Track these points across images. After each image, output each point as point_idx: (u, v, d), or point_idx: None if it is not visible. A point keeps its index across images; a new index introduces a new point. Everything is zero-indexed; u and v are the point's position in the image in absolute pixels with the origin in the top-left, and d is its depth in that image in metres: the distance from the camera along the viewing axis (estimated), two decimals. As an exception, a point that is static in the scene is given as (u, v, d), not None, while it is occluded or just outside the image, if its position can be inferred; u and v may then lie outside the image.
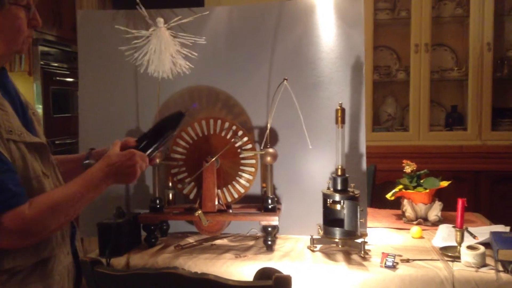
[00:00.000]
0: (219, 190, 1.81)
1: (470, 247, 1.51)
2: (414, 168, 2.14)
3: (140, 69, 1.84)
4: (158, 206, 1.81)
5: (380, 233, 1.91)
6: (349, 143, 1.86)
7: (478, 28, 3.24)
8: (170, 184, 1.89)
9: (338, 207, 1.65)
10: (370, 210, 2.17)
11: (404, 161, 2.17)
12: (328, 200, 1.68)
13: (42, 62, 3.42)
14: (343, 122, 1.71)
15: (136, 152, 1.27)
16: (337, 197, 1.66)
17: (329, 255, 1.66)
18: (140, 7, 1.82)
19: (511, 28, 3.44)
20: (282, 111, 1.84)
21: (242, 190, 1.83)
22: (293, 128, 1.85)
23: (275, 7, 1.92)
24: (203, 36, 1.88)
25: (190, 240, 1.84)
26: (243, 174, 1.83)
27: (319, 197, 1.73)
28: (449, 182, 2.12)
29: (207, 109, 1.96)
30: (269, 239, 1.72)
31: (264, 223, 1.72)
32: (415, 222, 2.02)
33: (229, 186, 1.84)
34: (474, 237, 1.70)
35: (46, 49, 3.49)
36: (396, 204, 2.18)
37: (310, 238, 1.73)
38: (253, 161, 1.83)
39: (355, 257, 1.63)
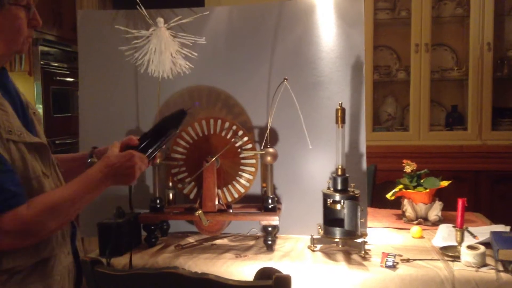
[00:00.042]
0: (219, 190, 1.81)
1: (470, 247, 1.51)
2: (414, 168, 2.14)
3: (140, 69, 1.84)
4: (159, 206, 1.81)
5: (380, 233, 1.91)
6: (349, 143, 1.86)
7: (478, 28, 3.24)
8: (170, 184, 1.89)
9: (338, 207, 1.65)
10: (370, 210, 2.17)
11: (404, 161, 2.17)
12: (328, 200, 1.68)
13: (42, 62, 3.42)
14: (343, 122, 1.71)
15: (135, 153, 1.27)
16: (337, 197, 1.66)
17: (329, 255, 1.66)
18: (140, 7, 1.82)
19: (511, 28, 3.44)
20: (282, 111, 1.84)
21: (242, 190, 1.83)
22: (293, 128, 1.85)
23: (275, 7, 1.92)
24: (203, 36, 1.88)
25: (190, 240, 1.84)
26: (243, 174, 1.83)
27: (319, 197, 1.73)
28: (449, 182, 2.12)
29: (207, 109, 1.96)
30: (269, 239, 1.72)
31: (264, 223, 1.72)
32: (415, 222, 2.02)
33: (229, 186, 1.84)
34: (474, 237, 1.70)
35: (46, 49, 3.49)
36: (396, 204, 2.18)
37: (310, 238, 1.73)
38: (253, 161, 1.83)
39: (355, 257, 1.63)
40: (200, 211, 1.71)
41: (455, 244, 1.59)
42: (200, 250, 1.73)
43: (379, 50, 3.58)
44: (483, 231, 1.75)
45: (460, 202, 1.57)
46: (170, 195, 1.91)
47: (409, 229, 1.90)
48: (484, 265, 1.48)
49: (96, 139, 1.82)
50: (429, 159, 3.11)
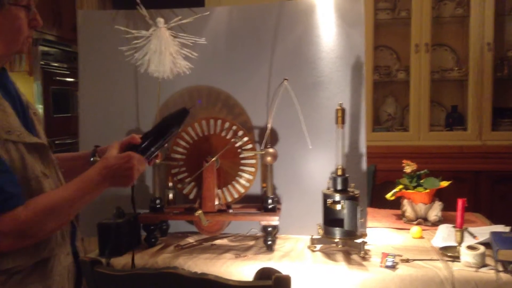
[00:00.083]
0: (219, 190, 1.81)
1: (470, 247, 1.51)
2: (414, 168, 2.14)
3: (140, 69, 1.84)
4: (158, 206, 1.81)
5: (380, 233, 1.91)
6: (349, 143, 1.86)
7: (479, 28, 3.24)
8: (170, 184, 1.89)
9: (338, 207, 1.65)
10: (370, 210, 2.17)
11: (404, 161, 2.17)
12: (328, 200, 1.68)
13: (42, 62, 3.42)
14: (343, 122, 1.71)
15: (134, 155, 1.26)
16: (337, 197, 1.66)
17: (329, 255, 1.66)
18: (140, 7, 1.82)
19: (511, 28, 3.44)
20: (282, 111, 1.84)
21: (242, 190, 1.83)
22: (293, 128, 1.85)
23: (275, 7, 1.92)
24: (203, 36, 1.89)
25: (190, 240, 1.84)
26: (243, 174, 1.83)
27: (319, 197, 1.73)
28: (449, 182, 2.12)
29: (207, 109, 1.96)
30: (269, 239, 1.72)
31: (264, 223, 1.72)
32: (415, 222, 2.02)
33: (229, 186, 1.84)
34: (474, 237, 1.70)
35: (46, 49, 3.49)
36: (396, 204, 2.18)
37: (310, 238, 1.73)
38: (253, 161, 1.83)
39: (355, 257, 1.63)
40: (200, 211, 1.71)
41: (455, 244, 1.59)
42: (200, 250, 1.73)
43: (379, 50, 3.58)
44: (483, 231, 1.75)
45: (459, 203, 1.57)
46: (170, 195, 1.91)
47: (409, 229, 1.90)
48: (484, 265, 1.48)
49: (96, 139, 1.81)
50: (429, 159, 3.11)
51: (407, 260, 1.56)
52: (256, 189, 1.90)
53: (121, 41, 1.87)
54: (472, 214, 2.22)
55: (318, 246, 1.74)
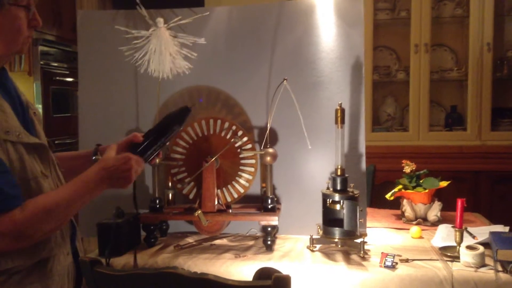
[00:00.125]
0: (218, 190, 1.81)
1: (469, 247, 1.51)
2: (414, 168, 2.14)
3: (140, 69, 1.84)
4: (158, 206, 1.81)
5: (380, 233, 1.91)
6: (348, 143, 1.86)
7: (478, 28, 3.24)
8: (170, 184, 1.90)
9: (337, 207, 1.65)
10: (369, 210, 2.17)
11: (404, 161, 2.17)
12: (328, 200, 1.68)
13: (42, 62, 3.42)
14: (342, 122, 1.71)
15: (131, 156, 1.27)
16: (336, 197, 1.66)
17: (328, 255, 1.67)
18: (140, 7, 1.82)
19: (511, 28, 3.44)
20: (282, 111, 1.84)
21: (241, 190, 1.83)
22: (293, 128, 1.85)
23: (275, 7, 1.92)
24: (203, 36, 1.88)
25: (190, 240, 1.84)
26: (243, 174, 1.83)
27: (319, 197, 1.73)
28: (449, 182, 2.13)
29: (206, 109, 1.96)
30: (269, 239, 1.72)
31: (263, 223, 1.72)
32: (414, 222, 2.02)
33: (229, 186, 1.84)
34: (474, 237, 1.70)
35: (46, 49, 3.49)
36: (395, 204, 2.19)
37: (310, 238, 1.74)
38: (253, 161, 1.83)
39: (354, 257, 1.63)
40: (199, 211, 1.71)
41: (454, 244, 1.59)
42: (200, 250, 1.73)
43: (379, 51, 3.58)
44: (482, 231, 1.75)
45: (459, 203, 1.57)
46: (170, 195, 1.91)
47: (408, 229, 1.91)
48: (483, 265, 1.48)
49: (96, 139, 1.81)
50: (428, 159, 3.11)
51: (406, 260, 1.56)
52: (255, 189, 1.90)
53: (121, 41, 1.87)
54: (471, 214, 2.22)
55: (318, 246, 1.74)
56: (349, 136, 1.86)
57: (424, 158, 3.01)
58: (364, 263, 1.57)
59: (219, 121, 1.82)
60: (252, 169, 1.83)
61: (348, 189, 1.69)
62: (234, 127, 1.82)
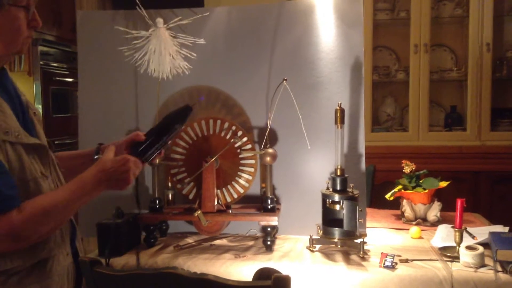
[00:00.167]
0: (218, 190, 1.81)
1: (469, 248, 1.51)
2: (413, 168, 2.14)
3: (139, 69, 1.84)
4: (158, 206, 1.81)
5: (379, 233, 1.91)
6: (348, 143, 1.86)
7: (478, 28, 3.24)
8: (170, 184, 1.90)
9: (337, 207, 1.65)
10: (369, 210, 2.17)
11: (404, 161, 2.17)
12: (328, 200, 1.68)
13: (41, 62, 3.42)
14: (342, 122, 1.71)
15: (130, 158, 1.27)
16: (336, 197, 1.66)
17: (328, 255, 1.67)
18: (139, 7, 1.82)
19: (511, 29, 3.44)
20: (282, 111, 1.84)
21: (241, 190, 1.83)
22: (293, 128, 1.85)
23: (275, 7, 1.92)
24: (202, 36, 1.88)
25: (190, 240, 1.84)
26: (243, 174, 1.83)
27: (318, 197, 1.73)
28: (448, 182, 2.13)
29: (206, 109, 1.96)
30: (269, 239, 1.72)
31: (263, 223, 1.72)
32: (414, 222, 2.02)
33: (229, 186, 1.84)
34: (473, 237, 1.70)
35: (45, 49, 3.49)
36: (395, 204, 2.19)
37: (309, 238, 1.74)
38: (253, 161, 1.83)
39: (354, 257, 1.63)
40: (199, 212, 1.71)
41: (454, 244, 1.59)
42: (199, 250, 1.73)
43: (378, 51, 3.58)
44: (482, 231, 1.75)
45: (459, 203, 1.57)
46: (169, 196, 1.91)
47: (408, 229, 1.91)
48: (483, 265, 1.48)
49: (96, 139, 1.80)
50: (428, 159, 3.11)
51: (406, 260, 1.56)
52: (255, 189, 1.90)
53: (121, 41, 1.87)
54: (471, 214, 2.22)
55: (317, 246, 1.74)
56: (349, 136, 1.86)
57: (423, 158, 3.01)
58: (363, 263, 1.57)
59: (219, 121, 1.82)
60: (252, 169, 1.83)
61: (348, 189, 1.69)
62: (234, 127, 1.82)
